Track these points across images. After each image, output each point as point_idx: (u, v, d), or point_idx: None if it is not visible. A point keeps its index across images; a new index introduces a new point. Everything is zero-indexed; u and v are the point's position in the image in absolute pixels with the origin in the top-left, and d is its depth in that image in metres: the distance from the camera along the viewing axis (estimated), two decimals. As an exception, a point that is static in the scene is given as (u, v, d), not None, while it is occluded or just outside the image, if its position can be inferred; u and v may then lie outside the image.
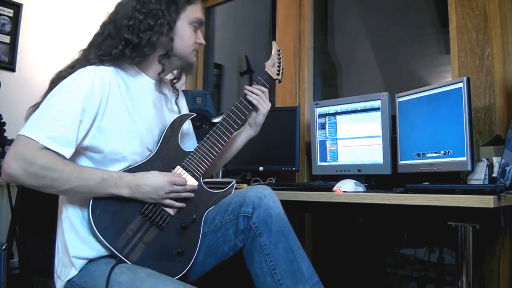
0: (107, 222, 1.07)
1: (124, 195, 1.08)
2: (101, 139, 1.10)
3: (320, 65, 2.49)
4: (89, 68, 1.11)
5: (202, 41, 1.30)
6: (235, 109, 1.34)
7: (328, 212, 2.01)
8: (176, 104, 1.36)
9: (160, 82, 1.29)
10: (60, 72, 1.15)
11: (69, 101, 1.06)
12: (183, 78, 1.40)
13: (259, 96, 1.39)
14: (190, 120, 1.42)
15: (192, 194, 1.20)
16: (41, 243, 1.26)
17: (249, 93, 1.38)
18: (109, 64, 1.15)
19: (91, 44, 1.22)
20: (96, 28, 1.25)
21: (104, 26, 1.22)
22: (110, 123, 1.11)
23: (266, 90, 1.41)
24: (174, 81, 1.37)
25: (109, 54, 1.15)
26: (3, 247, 1.74)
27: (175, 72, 1.37)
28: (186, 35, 1.24)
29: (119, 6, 1.23)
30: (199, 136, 1.41)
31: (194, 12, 1.25)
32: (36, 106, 1.10)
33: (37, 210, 1.29)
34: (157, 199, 1.13)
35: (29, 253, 1.33)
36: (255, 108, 1.39)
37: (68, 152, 1.04)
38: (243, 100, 1.37)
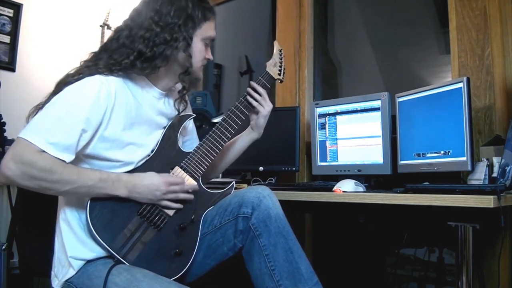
0: (105, 222, 1.07)
1: (121, 195, 1.08)
2: (104, 148, 1.10)
3: (320, 65, 2.48)
4: (97, 77, 1.10)
5: (211, 56, 1.29)
6: (235, 110, 1.34)
7: (328, 212, 2.01)
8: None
9: (169, 92, 1.27)
10: (67, 76, 1.13)
11: (73, 108, 1.05)
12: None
13: (260, 97, 1.37)
14: (193, 121, 1.41)
15: (191, 196, 1.19)
16: (41, 243, 1.26)
17: (252, 92, 1.36)
18: (118, 74, 1.14)
19: (103, 49, 1.19)
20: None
21: (118, 32, 1.19)
22: (114, 133, 1.11)
23: (264, 91, 1.38)
24: (184, 92, 1.33)
25: (119, 64, 1.13)
26: (3, 247, 1.74)
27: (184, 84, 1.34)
28: (196, 51, 1.22)
29: (135, 13, 1.21)
30: (199, 137, 1.41)
31: (208, 30, 1.24)
32: (39, 107, 1.10)
33: (37, 210, 1.29)
34: (154, 200, 1.12)
35: (29, 253, 1.33)
36: (255, 109, 1.38)
37: (67, 158, 1.03)
38: (243, 100, 1.36)
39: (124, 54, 1.14)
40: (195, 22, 1.20)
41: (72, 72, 1.14)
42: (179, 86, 1.31)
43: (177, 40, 1.16)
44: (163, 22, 1.15)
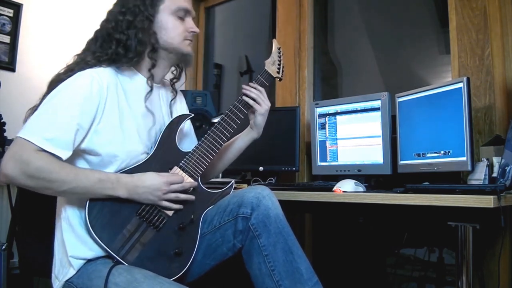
0: (104, 223, 1.07)
1: (121, 196, 1.08)
2: (98, 142, 1.10)
3: (320, 65, 2.48)
4: (88, 72, 1.11)
5: (195, 29, 1.29)
6: (233, 108, 1.34)
7: (328, 212, 2.01)
8: (170, 106, 1.35)
9: (152, 79, 1.26)
10: (59, 75, 1.15)
11: (67, 104, 1.06)
12: (183, 77, 1.39)
13: (256, 95, 1.36)
14: (190, 121, 1.41)
15: (192, 197, 1.19)
16: (41, 243, 1.26)
17: (246, 92, 1.36)
18: (107, 64, 1.16)
19: (85, 50, 1.23)
20: (95, 29, 1.25)
21: (96, 33, 1.24)
22: (107, 126, 1.11)
23: (262, 89, 1.38)
24: (174, 80, 1.36)
25: (106, 54, 1.17)
26: (3, 247, 1.74)
27: (175, 72, 1.36)
28: (169, 26, 1.23)
29: (108, 13, 1.25)
30: (199, 136, 1.41)
31: (174, 1, 1.24)
32: (34, 109, 1.10)
33: (37, 210, 1.29)
34: (155, 200, 1.12)
35: (29, 253, 1.33)
36: (252, 108, 1.38)
37: (64, 154, 1.04)
38: (241, 99, 1.36)
39: (107, 48, 1.18)
40: None
41: (62, 70, 1.17)
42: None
43: (141, 21, 1.19)
44: (125, 8, 1.20)
